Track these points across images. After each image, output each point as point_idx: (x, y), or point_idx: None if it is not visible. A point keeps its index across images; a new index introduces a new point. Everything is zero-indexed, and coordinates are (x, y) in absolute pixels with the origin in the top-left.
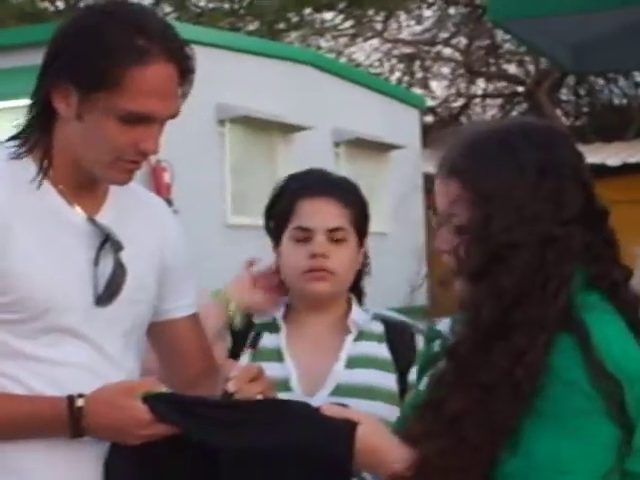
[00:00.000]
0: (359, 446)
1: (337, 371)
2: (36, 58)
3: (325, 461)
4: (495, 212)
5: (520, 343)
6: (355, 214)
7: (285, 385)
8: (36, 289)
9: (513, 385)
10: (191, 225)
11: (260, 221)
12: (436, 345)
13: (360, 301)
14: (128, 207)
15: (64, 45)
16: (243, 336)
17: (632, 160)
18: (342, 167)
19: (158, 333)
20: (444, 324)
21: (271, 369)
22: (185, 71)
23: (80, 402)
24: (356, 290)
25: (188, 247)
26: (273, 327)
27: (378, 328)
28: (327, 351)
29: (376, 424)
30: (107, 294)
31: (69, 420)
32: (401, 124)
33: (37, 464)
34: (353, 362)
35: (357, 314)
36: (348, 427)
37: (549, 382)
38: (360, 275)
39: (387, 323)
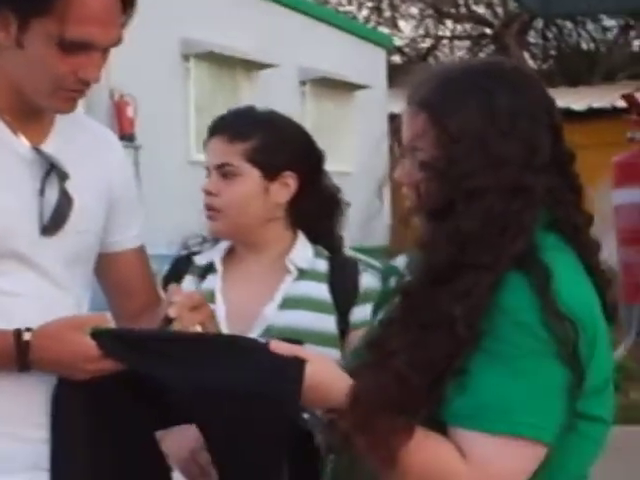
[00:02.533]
0: (308, 383)
1: (268, 312)
2: None
3: (273, 398)
4: (462, 154)
5: (464, 284)
6: (253, 148)
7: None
8: None
9: (450, 325)
10: (154, 161)
11: None
12: (392, 281)
13: (338, 248)
14: (74, 137)
15: None
16: (183, 262)
17: (597, 105)
18: (307, 106)
19: (103, 265)
20: (401, 261)
21: None
22: None
23: (27, 336)
24: (328, 236)
25: (150, 183)
26: (211, 269)
27: (322, 267)
28: (262, 292)
29: (324, 361)
30: (53, 224)
31: (16, 354)
32: (368, 63)
33: None
34: (287, 303)
35: (299, 253)
36: (296, 364)
37: (499, 322)
38: (324, 215)
39: (332, 262)
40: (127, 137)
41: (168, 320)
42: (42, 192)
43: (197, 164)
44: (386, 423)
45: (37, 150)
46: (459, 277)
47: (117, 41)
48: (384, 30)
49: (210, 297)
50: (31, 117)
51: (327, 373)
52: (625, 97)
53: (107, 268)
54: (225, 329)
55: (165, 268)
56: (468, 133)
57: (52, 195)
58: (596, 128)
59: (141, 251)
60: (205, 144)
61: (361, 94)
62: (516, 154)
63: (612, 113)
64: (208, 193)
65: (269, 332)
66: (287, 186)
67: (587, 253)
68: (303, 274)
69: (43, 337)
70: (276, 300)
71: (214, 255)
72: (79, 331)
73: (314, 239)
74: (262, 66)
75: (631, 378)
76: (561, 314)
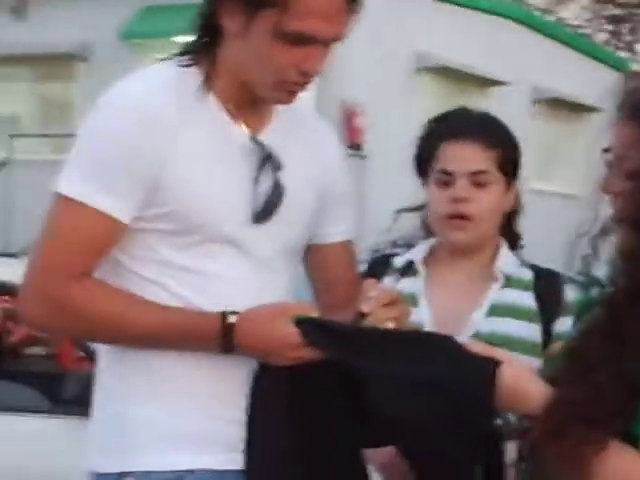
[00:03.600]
0: (504, 387)
1: (477, 318)
2: None
3: (464, 397)
4: None
5: None
6: (501, 155)
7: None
8: (194, 202)
9: None
10: (381, 171)
11: None
12: (594, 292)
13: (514, 246)
14: (292, 129)
15: None
16: (381, 263)
17: None
18: (537, 126)
19: (311, 256)
20: (603, 271)
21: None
22: None
23: (233, 319)
24: (510, 235)
25: (376, 193)
26: (410, 271)
27: (526, 275)
28: (468, 298)
29: (522, 367)
30: (264, 212)
31: (220, 336)
32: (603, 87)
33: (180, 371)
34: (495, 310)
35: (505, 260)
36: (490, 365)
37: None
38: (513, 218)
39: (536, 270)
40: (354, 146)
41: (362, 315)
42: (257, 180)
43: None
44: (580, 433)
45: (255, 139)
46: None
47: (339, 36)
48: (622, 54)
49: (410, 299)
50: (251, 107)
51: (523, 378)
52: None
53: (314, 259)
54: None
55: (397, 276)
56: None
57: (266, 184)
58: None
59: (348, 245)
60: (442, 147)
61: (593, 117)
62: None
63: None
64: (461, 200)
65: (477, 339)
66: (512, 195)
67: None
68: (509, 281)
69: (248, 321)
70: (484, 306)
71: (414, 257)
72: (284, 318)
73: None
74: (495, 83)
75: None
76: None
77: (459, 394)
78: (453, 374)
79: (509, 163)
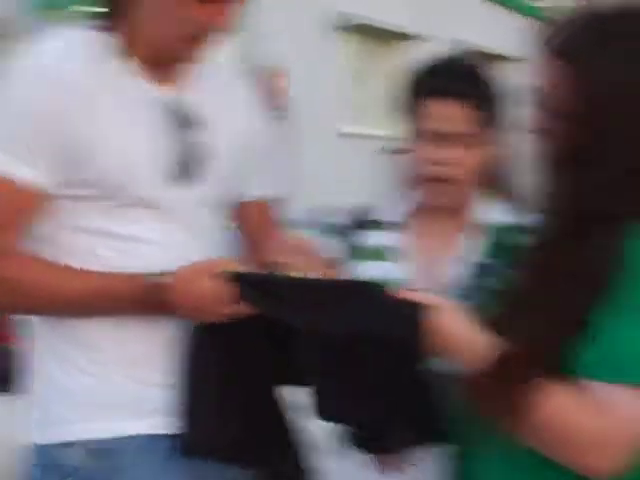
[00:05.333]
0: (434, 329)
1: (456, 270)
2: None
3: (393, 345)
4: (604, 102)
5: (607, 236)
6: (487, 113)
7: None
8: (112, 166)
9: (591, 276)
10: (305, 131)
11: (374, 130)
12: (523, 237)
13: (510, 196)
14: (214, 87)
15: None
16: (362, 215)
17: None
18: None
19: (237, 213)
20: (526, 217)
21: (386, 269)
22: None
23: (162, 279)
24: (504, 186)
25: (300, 154)
26: (394, 226)
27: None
28: (450, 251)
29: (455, 310)
30: (189, 172)
31: (151, 296)
32: (519, 36)
33: (107, 340)
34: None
35: (487, 212)
36: (419, 310)
37: (628, 274)
38: (504, 171)
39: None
40: (279, 108)
41: (277, 264)
42: (178, 140)
43: (348, 136)
44: (520, 373)
45: (175, 99)
46: (601, 228)
47: None
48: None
49: (393, 253)
50: (169, 66)
51: (454, 321)
52: None
53: (240, 216)
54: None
55: (338, 221)
56: (610, 79)
57: (188, 143)
58: None
59: (273, 202)
60: (424, 105)
61: (514, 67)
62: None
63: None
64: (446, 164)
65: (455, 292)
66: (496, 148)
67: None
68: (492, 230)
69: (178, 280)
70: (463, 258)
71: (396, 212)
72: (212, 275)
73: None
74: (415, 38)
75: None
76: None
77: (388, 341)
78: (382, 320)
79: (494, 120)
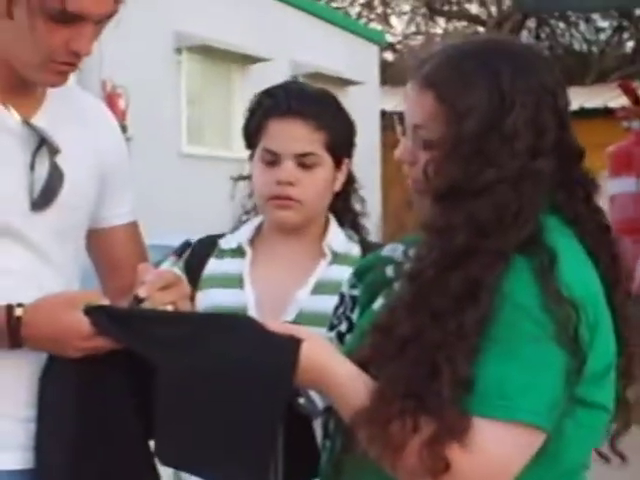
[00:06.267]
0: (304, 363)
1: (301, 297)
2: None
3: (267, 377)
4: (471, 132)
5: (478, 270)
6: (331, 136)
7: (243, 313)
8: None
9: (460, 311)
10: (146, 153)
11: (214, 151)
12: (389, 270)
13: (354, 222)
14: (66, 111)
15: None
16: (206, 245)
17: (589, 105)
18: None
19: (94, 241)
20: (391, 249)
21: (231, 296)
22: None
23: (19, 312)
24: (345, 211)
25: (141, 175)
26: (238, 252)
27: (355, 251)
28: (295, 276)
29: (322, 341)
30: (43, 198)
31: (7, 330)
32: (360, 60)
33: None
34: (321, 288)
35: (334, 236)
36: (292, 343)
37: (500, 307)
38: (345, 195)
39: (364, 245)
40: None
41: (138, 300)
42: (32, 166)
43: (188, 157)
44: (396, 415)
45: (27, 124)
46: (471, 262)
47: (110, 12)
48: (376, 27)
49: (233, 281)
50: (22, 91)
51: (324, 354)
52: (621, 85)
53: (98, 244)
54: (255, 315)
55: (172, 257)
56: (477, 111)
57: (43, 170)
58: (588, 128)
59: (133, 227)
60: (269, 124)
61: (353, 90)
62: (523, 135)
63: (604, 114)
64: (287, 183)
65: (301, 318)
66: (343, 173)
67: (591, 237)
68: (337, 258)
69: (36, 313)
70: (310, 284)
71: (241, 237)
72: (72, 307)
73: (339, 222)
74: (255, 60)
75: None
76: (562, 297)
77: (259, 375)
78: (253, 356)
79: (339, 144)
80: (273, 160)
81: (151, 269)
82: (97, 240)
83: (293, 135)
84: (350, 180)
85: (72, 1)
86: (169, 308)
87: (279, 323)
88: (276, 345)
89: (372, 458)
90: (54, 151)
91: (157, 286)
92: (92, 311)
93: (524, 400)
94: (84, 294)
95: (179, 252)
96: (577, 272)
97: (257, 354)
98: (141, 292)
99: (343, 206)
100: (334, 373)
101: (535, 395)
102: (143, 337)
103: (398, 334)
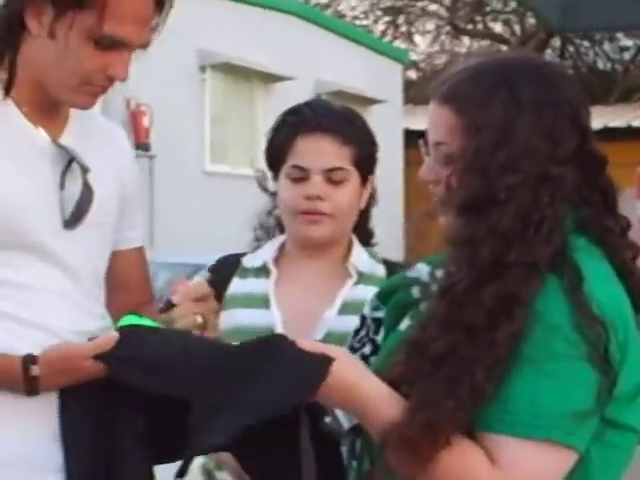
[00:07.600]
0: (332, 382)
1: (329, 317)
2: None
3: (295, 395)
4: (490, 144)
5: (512, 285)
6: (358, 152)
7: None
8: (2, 212)
9: (495, 327)
10: (169, 171)
11: (237, 170)
12: (415, 291)
13: (367, 242)
14: (89, 132)
15: None
16: (230, 264)
17: (613, 124)
18: None
19: (110, 261)
20: (417, 270)
21: (258, 316)
22: (162, 1)
23: (35, 371)
24: (363, 231)
25: (165, 193)
26: (262, 271)
27: (380, 271)
28: (321, 296)
29: (353, 360)
30: (75, 216)
31: (24, 386)
32: (384, 78)
33: None
34: (347, 308)
35: (358, 256)
36: (324, 360)
37: (532, 325)
38: (366, 215)
39: (389, 266)
40: (142, 146)
41: (170, 305)
42: (62, 185)
43: (211, 175)
44: (427, 435)
45: (57, 143)
46: (506, 276)
47: (148, 42)
48: (400, 45)
49: (259, 301)
50: (49, 111)
51: (356, 373)
52: None
53: (110, 264)
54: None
55: (205, 273)
56: (494, 122)
57: (72, 188)
58: (612, 148)
59: (142, 251)
60: (296, 141)
61: (376, 108)
62: (540, 143)
63: (628, 133)
64: (316, 198)
65: (330, 338)
66: (368, 191)
67: (616, 254)
68: (362, 278)
69: (51, 370)
70: (336, 304)
71: (265, 256)
72: (87, 359)
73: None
74: (278, 78)
75: None
76: (593, 315)
77: (288, 394)
78: (288, 372)
79: (365, 160)
80: (301, 176)
81: (186, 282)
82: (113, 261)
83: (322, 150)
84: (372, 199)
85: (117, 28)
86: (198, 318)
87: (311, 341)
88: (308, 362)
89: (401, 476)
90: (85, 170)
91: (190, 296)
92: (103, 358)
93: (558, 419)
94: (97, 344)
95: (212, 268)
96: (606, 291)
97: (289, 368)
98: (174, 298)
99: (363, 225)
100: (366, 391)
101: (569, 414)
102: (163, 380)
103: (432, 351)
